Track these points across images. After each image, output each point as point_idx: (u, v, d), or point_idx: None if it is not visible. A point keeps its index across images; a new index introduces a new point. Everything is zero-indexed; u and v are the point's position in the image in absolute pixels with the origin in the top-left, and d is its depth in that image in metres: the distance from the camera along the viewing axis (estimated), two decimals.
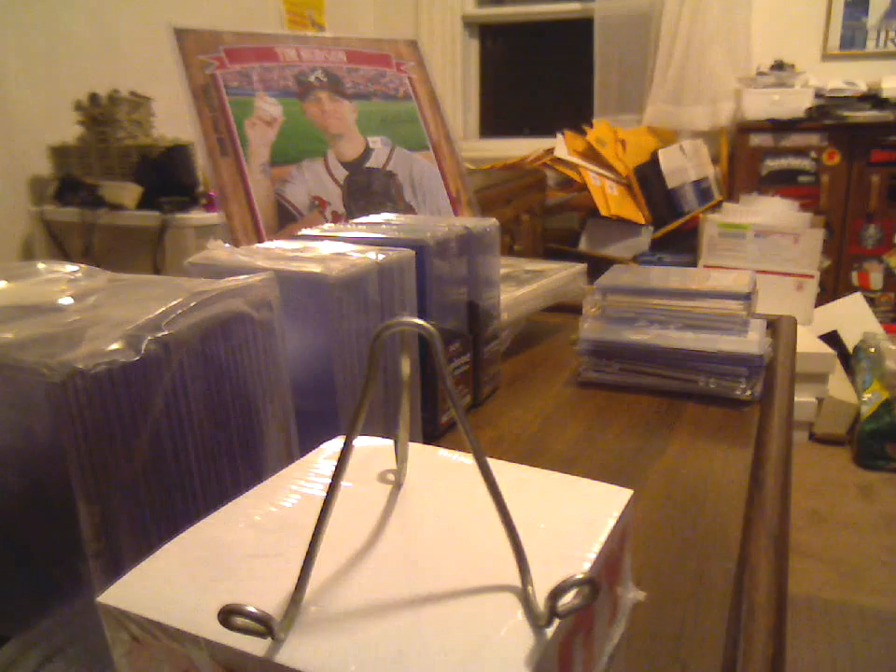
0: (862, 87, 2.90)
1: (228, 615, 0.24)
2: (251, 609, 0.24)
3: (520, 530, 0.26)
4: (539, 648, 0.24)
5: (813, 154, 2.94)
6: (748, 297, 0.76)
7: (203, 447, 0.38)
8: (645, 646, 0.40)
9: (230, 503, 0.32)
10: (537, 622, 0.25)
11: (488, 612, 0.26)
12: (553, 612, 0.25)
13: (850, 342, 2.61)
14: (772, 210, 2.65)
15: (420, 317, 0.28)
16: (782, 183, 3.00)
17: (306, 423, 0.47)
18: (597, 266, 0.91)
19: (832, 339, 2.55)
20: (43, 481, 0.34)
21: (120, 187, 1.96)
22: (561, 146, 3.08)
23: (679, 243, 2.96)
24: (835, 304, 2.77)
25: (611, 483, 0.32)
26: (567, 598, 0.25)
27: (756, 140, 3.02)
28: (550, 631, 0.25)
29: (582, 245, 3.07)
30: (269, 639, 0.24)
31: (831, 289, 2.96)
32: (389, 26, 3.75)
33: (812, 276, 2.29)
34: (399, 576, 0.27)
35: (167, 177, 1.93)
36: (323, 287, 0.47)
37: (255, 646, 0.24)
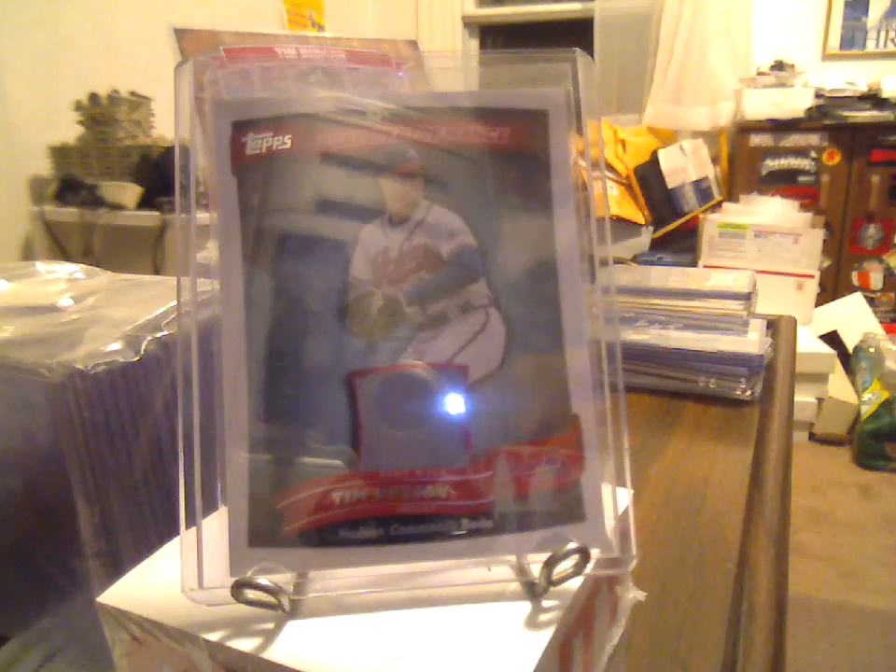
0: (862, 87, 2.90)
1: (240, 588, 0.24)
2: (263, 580, 0.24)
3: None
4: (538, 648, 0.24)
5: (813, 154, 2.94)
6: (748, 297, 0.76)
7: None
8: (645, 646, 0.40)
9: None
10: (534, 591, 0.26)
11: (488, 613, 0.26)
12: (549, 581, 0.25)
13: (850, 342, 2.61)
14: (772, 210, 2.65)
15: None
16: (782, 183, 3.00)
17: None
18: None
19: (832, 339, 2.54)
20: (43, 481, 0.34)
21: (120, 187, 1.95)
22: None
23: (679, 243, 2.96)
24: (835, 304, 2.77)
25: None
26: (562, 568, 0.25)
27: (756, 140, 3.02)
28: (550, 631, 0.25)
29: None
30: (272, 625, 0.25)
31: (831, 289, 2.96)
32: (389, 26, 3.74)
33: (812, 276, 2.29)
34: (400, 577, 0.27)
35: (167, 177, 1.92)
36: None
37: (255, 646, 0.24)
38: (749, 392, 0.71)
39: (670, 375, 0.74)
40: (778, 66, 3.08)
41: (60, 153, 2.13)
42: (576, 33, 3.59)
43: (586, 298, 0.29)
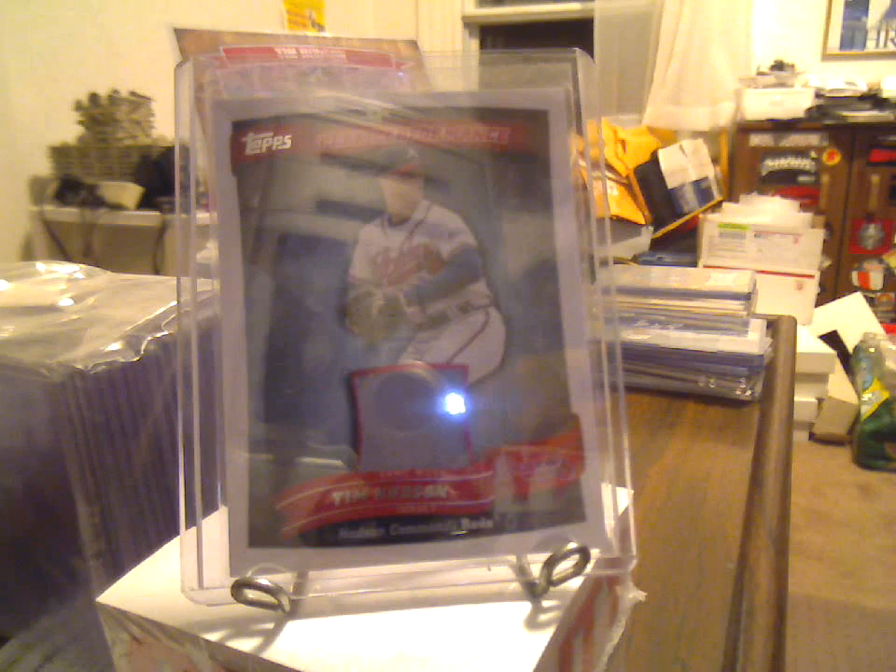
0: (862, 87, 2.90)
1: (240, 588, 0.24)
2: (263, 580, 0.24)
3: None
4: (538, 648, 0.24)
5: (813, 154, 2.94)
6: (748, 297, 0.76)
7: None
8: (645, 646, 0.40)
9: None
10: (534, 591, 0.26)
11: (488, 613, 0.26)
12: (549, 581, 0.25)
13: (850, 342, 2.61)
14: (772, 210, 2.65)
15: None
16: (782, 183, 3.00)
17: None
18: None
19: (832, 339, 2.54)
20: (43, 481, 0.34)
21: (120, 187, 1.95)
22: None
23: (679, 243, 2.96)
24: (835, 304, 2.77)
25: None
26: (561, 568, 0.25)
27: (756, 140, 3.02)
28: (550, 631, 0.25)
29: None
30: (272, 625, 0.25)
31: (831, 289, 2.96)
32: (389, 26, 3.74)
33: (812, 276, 2.29)
34: (400, 577, 0.27)
35: (167, 177, 1.92)
36: None
37: (255, 646, 0.24)
38: (748, 392, 0.71)
39: (670, 375, 0.74)
40: (778, 66, 3.07)
41: (60, 153, 2.13)
42: (576, 33, 3.59)
43: (586, 298, 0.29)
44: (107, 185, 1.97)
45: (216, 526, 0.26)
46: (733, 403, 0.71)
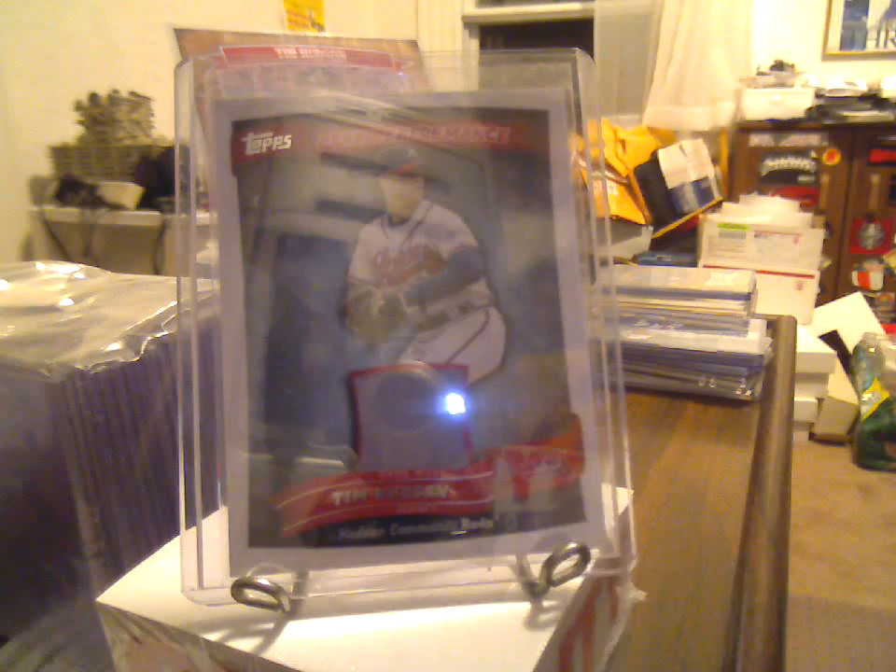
0: (862, 87, 2.90)
1: (240, 588, 0.24)
2: (263, 580, 0.24)
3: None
4: (538, 648, 0.24)
5: (813, 154, 2.94)
6: (747, 297, 0.76)
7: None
8: (645, 646, 0.40)
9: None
10: (534, 591, 0.26)
11: (488, 613, 0.26)
12: (549, 581, 0.25)
13: (850, 342, 2.61)
14: (772, 210, 2.65)
15: None
16: (782, 183, 3.00)
17: None
18: None
19: (832, 339, 2.54)
20: (43, 481, 0.34)
21: (120, 187, 1.95)
22: None
23: (679, 243, 2.96)
24: (835, 304, 2.77)
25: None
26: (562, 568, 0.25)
27: (756, 140, 3.02)
28: (550, 631, 0.25)
29: None
30: (272, 625, 0.25)
31: (831, 289, 2.96)
32: (389, 26, 3.74)
33: (812, 276, 2.29)
34: (400, 577, 0.27)
35: (167, 177, 1.92)
36: None
37: (255, 646, 0.24)
38: (748, 392, 0.71)
39: (670, 375, 0.74)
40: (778, 66, 3.08)
41: (60, 153, 2.13)
42: (576, 33, 3.59)
43: (586, 298, 0.29)
44: (107, 185, 1.97)
45: (216, 526, 0.26)
46: (733, 403, 0.71)
